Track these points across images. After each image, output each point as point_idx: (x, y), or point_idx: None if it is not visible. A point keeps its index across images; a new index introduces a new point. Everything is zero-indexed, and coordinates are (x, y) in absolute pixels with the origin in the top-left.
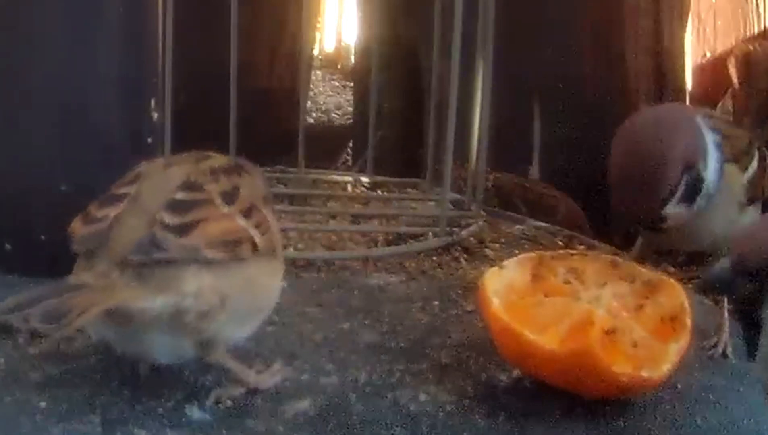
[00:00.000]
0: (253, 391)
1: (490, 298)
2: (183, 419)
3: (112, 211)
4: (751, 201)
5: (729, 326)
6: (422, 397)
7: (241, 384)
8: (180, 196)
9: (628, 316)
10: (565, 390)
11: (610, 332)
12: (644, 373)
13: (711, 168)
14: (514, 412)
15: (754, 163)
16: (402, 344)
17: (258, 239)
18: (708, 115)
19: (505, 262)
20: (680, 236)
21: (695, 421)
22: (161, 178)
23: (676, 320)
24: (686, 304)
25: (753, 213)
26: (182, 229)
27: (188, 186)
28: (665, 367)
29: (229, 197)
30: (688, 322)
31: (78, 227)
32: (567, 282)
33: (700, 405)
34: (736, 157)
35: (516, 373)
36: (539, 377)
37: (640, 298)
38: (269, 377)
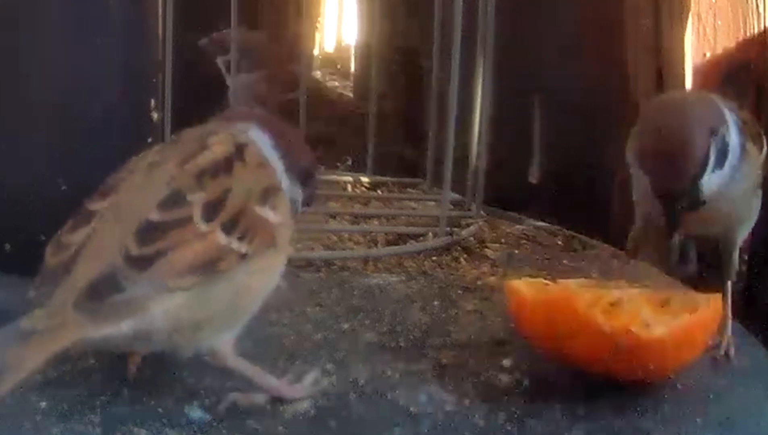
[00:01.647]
0: (276, 400)
1: (517, 289)
2: (183, 419)
3: (79, 236)
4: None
5: (731, 327)
6: (422, 397)
7: (264, 392)
8: (155, 216)
9: (640, 299)
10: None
11: (614, 304)
12: (633, 329)
13: (733, 137)
14: (514, 412)
15: (765, 148)
16: (402, 344)
17: (245, 249)
18: (725, 100)
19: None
20: (702, 217)
21: (695, 421)
22: (141, 186)
23: (699, 308)
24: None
25: (759, 198)
26: (147, 261)
27: (169, 201)
28: (658, 330)
29: (213, 209)
30: (712, 303)
31: (47, 257)
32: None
33: (700, 405)
34: (753, 138)
35: (516, 373)
36: (531, 339)
37: (674, 300)
38: (300, 389)
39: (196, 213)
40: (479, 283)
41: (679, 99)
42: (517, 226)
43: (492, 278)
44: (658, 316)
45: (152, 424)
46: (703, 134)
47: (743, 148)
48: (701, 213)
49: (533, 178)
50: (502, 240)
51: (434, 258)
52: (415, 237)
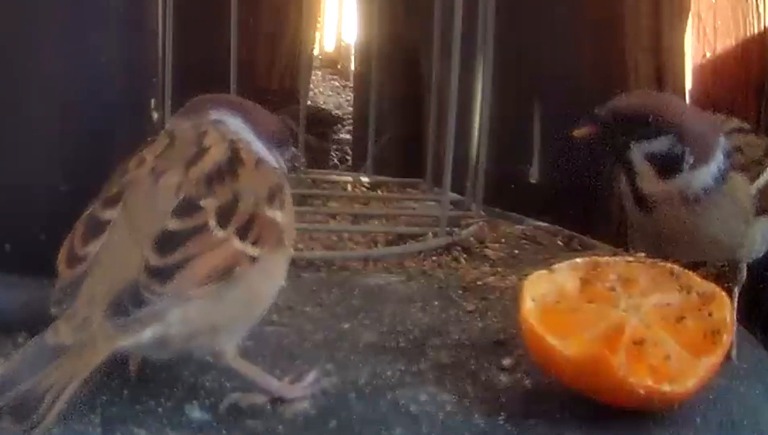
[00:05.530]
0: (276, 401)
1: (524, 300)
2: (183, 419)
3: (95, 247)
4: (763, 211)
5: (735, 328)
6: (422, 397)
7: (264, 393)
8: (172, 225)
9: (663, 328)
10: (587, 397)
11: (638, 343)
12: (665, 387)
13: (709, 170)
14: (514, 412)
15: (767, 174)
16: (402, 344)
17: (257, 252)
18: (731, 128)
19: (556, 266)
20: (677, 239)
21: (695, 421)
22: (150, 194)
23: (716, 335)
24: (728, 319)
25: (765, 223)
26: (169, 273)
27: (183, 209)
28: (690, 382)
29: (226, 214)
30: (725, 338)
31: (63, 269)
32: (612, 289)
33: (700, 405)
34: (745, 166)
35: (516, 373)
36: (563, 383)
37: (687, 310)
38: (300, 389)
39: (211, 219)
40: (479, 283)
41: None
42: (517, 226)
43: (492, 278)
44: (683, 352)
45: (152, 424)
46: (668, 116)
47: (723, 174)
48: (676, 237)
49: (533, 178)
50: (502, 240)
51: (434, 258)
52: (415, 237)
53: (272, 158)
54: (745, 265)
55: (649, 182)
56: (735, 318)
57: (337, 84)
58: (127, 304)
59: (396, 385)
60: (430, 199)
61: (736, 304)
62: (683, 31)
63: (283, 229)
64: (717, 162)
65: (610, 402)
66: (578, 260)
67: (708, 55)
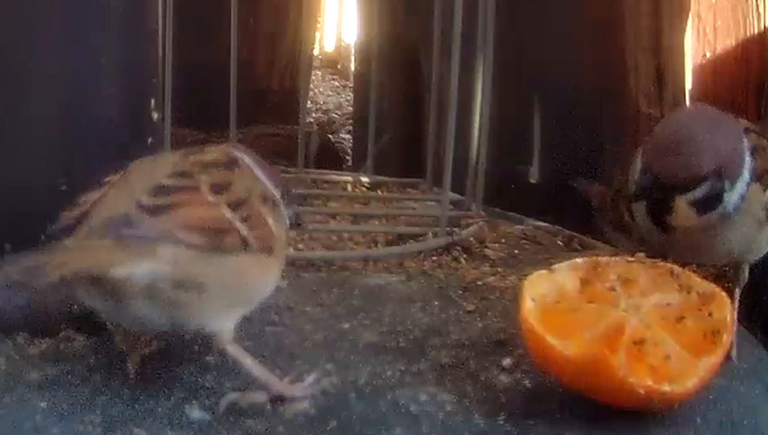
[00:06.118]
0: (277, 399)
1: (524, 300)
2: (183, 419)
3: (94, 196)
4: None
5: (735, 329)
6: (422, 397)
7: (262, 386)
8: (166, 181)
9: (663, 328)
10: (587, 397)
11: (638, 343)
12: (665, 387)
13: (737, 190)
14: (514, 412)
15: None
16: (402, 344)
17: (246, 233)
18: (749, 130)
19: (557, 265)
20: (692, 249)
21: (695, 420)
22: (150, 168)
23: (716, 335)
24: (729, 319)
25: None
26: (157, 210)
27: (177, 174)
28: (690, 382)
29: (219, 188)
30: (725, 338)
31: (64, 214)
32: (612, 289)
33: (700, 405)
34: (759, 175)
35: (516, 373)
36: (563, 383)
37: (687, 310)
38: (301, 389)
39: (204, 185)
40: (479, 283)
41: (715, 116)
42: (517, 226)
43: (492, 278)
44: (683, 352)
45: (152, 424)
46: (706, 164)
47: (748, 188)
48: (691, 244)
49: (533, 178)
50: (502, 240)
51: (434, 258)
52: (415, 237)
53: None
54: (747, 266)
55: (686, 220)
56: (735, 318)
57: (337, 84)
58: (119, 226)
59: (396, 385)
60: (430, 199)
61: (737, 305)
62: (683, 31)
63: (273, 234)
64: (743, 181)
65: (610, 402)
66: (578, 260)
67: (708, 55)
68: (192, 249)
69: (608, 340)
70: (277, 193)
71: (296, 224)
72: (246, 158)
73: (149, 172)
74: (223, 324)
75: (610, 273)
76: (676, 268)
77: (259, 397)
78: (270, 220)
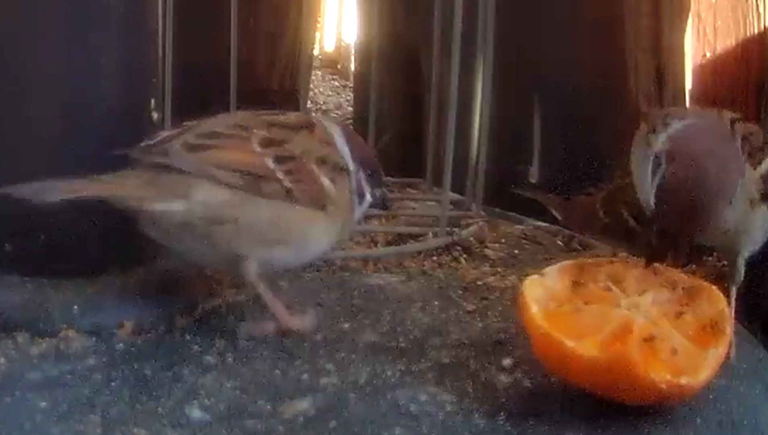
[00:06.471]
0: (284, 333)
1: (529, 305)
2: (183, 419)
3: (167, 134)
4: (764, 196)
5: (734, 328)
6: (422, 397)
7: (275, 322)
8: (220, 129)
9: (667, 324)
10: (605, 397)
11: (648, 340)
12: (683, 380)
13: (738, 189)
14: (514, 412)
15: (765, 163)
16: (402, 344)
17: (290, 185)
18: (735, 120)
19: (546, 269)
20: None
21: (695, 420)
22: (221, 120)
23: (715, 327)
24: (726, 310)
25: (766, 212)
26: (196, 148)
27: (237, 125)
28: (704, 374)
29: (269, 142)
30: (727, 328)
31: (133, 148)
32: (607, 289)
33: (700, 405)
34: (751, 154)
35: (516, 373)
36: (579, 385)
37: (680, 305)
38: (300, 321)
39: (254, 139)
40: (479, 283)
41: (709, 149)
42: (517, 226)
43: (492, 278)
44: (690, 346)
45: (152, 424)
46: (732, 187)
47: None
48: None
49: (533, 178)
50: (502, 240)
51: (434, 258)
52: (415, 237)
53: (360, 184)
54: (743, 263)
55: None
56: (732, 312)
57: (337, 84)
58: (155, 154)
59: (396, 385)
60: (430, 198)
61: (733, 303)
62: (683, 31)
63: (327, 193)
64: (739, 184)
65: (629, 400)
66: (565, 263)
67: (708, 55)
68: (227, 187)
69: (619, 339)
70: (352, 165)
71: (383, 206)
72: (333, 128)
73: (216, 121)
74: (253, 258)
75: (598, 273)
76: (657, 265)
77: (269, 327)
78: (325, 181)
